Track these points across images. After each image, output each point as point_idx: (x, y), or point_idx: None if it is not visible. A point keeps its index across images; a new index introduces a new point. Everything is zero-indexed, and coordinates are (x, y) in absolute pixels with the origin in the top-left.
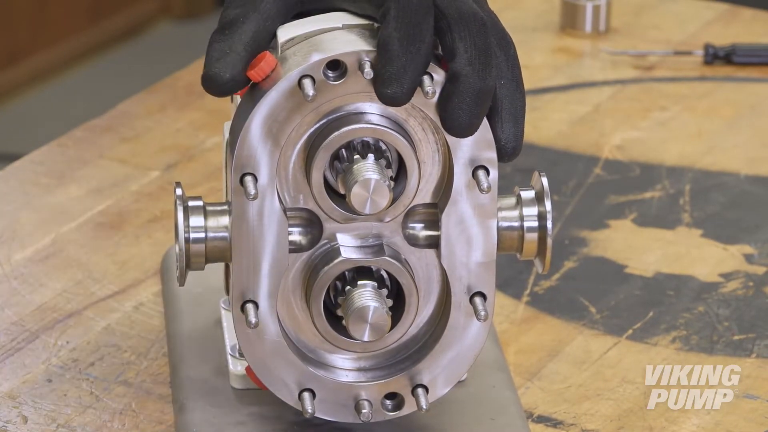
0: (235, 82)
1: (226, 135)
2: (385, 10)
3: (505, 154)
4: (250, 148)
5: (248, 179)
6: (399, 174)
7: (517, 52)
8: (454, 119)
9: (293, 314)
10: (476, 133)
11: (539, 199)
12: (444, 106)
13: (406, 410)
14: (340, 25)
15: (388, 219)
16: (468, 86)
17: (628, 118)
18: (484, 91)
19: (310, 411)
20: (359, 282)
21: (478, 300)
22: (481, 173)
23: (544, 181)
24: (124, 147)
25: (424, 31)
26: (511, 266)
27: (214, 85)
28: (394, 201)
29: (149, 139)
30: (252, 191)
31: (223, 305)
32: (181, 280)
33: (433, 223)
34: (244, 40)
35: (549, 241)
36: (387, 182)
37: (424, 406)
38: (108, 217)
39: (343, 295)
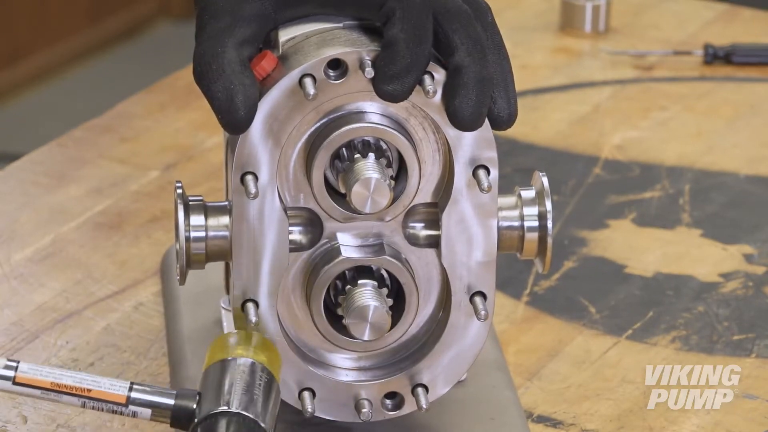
0: (252, 111)
1: (227, 134)
2: (388, 12)
3: (501, 123)
4: (250, 147)
5: (249, 178)
6: (399, 173)
7: (494, 18)
8: (463, 111)
9: (293, 313)
10: (476, 132)
11: (539, 198)
12: (450, 101)
13: (406, 410)
14: (341, 25)
15: (388, 218)
16: (471, 77)
17: (628, 118)
18: (487, 78)
19: (310, 410)
20: (359, 281)
21: (478, 299)
22: (481, 172)
23: (545, 180)
24: (123, 147)
25: (428, 32)
26: (511, 266)
27: (239, 128)
28: (394, 200)
29: (149, 138)
30: (252, 190)
31: (223, 305)
32: (182, 279)
33: (434, 222)
34: (235, 70)
35: (549, 240)
36: (387, 181)
37: (424, 406)
38: (107, 217)
39: (343, 294)
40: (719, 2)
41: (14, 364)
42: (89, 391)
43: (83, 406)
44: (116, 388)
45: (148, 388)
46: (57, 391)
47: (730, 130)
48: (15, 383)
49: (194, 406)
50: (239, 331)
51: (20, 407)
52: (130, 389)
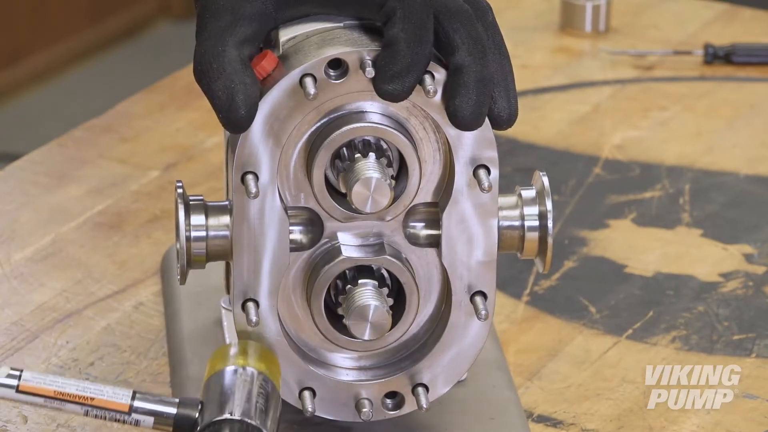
0: (253, 110)
1: (227, 133)
2: (389, 11)
3: (501, 122)
4: (251, 147)
5: (249, 178)
6: (400, 173)
7: (494, 17)
8: (463, 110)
9: (294, 313)
10: (476, 132)
11: (540, 198)
12: (450, 100)
13: (406, 409)
14: (342, 24)
15: (388, 218)
16: (471, 76)
17: (628, 118)
18: (487, 78)
19: (310, 410)
20: (360, 281)
21: (478, 299)
22: (481, 172)
23: (545, 180)
24: (123, 147)
25: (429, 31)
26: (511, 266)
27: (240, 127)
28: (394, 200)
29: (149, 138)
30: (253, 190)
31: (223, 304)
32: (182, 279)
33: (434, 222)
34: (236, 69)
35: (550, 240)
36: (388, 181)
37: (425, 406)
38: (107, 217)
39: (343, 293)
40: (719, 2)
41: (17, 372)
42: (92, 399)
43: (86, 414)
44: (119, 397)
45: (150, 397)
46: (60, 399)
47: (730, 130)
48: (18, 391)
49: (196, 414)
50: (239, 341)
51: (20, 407)
52: (133, 398)
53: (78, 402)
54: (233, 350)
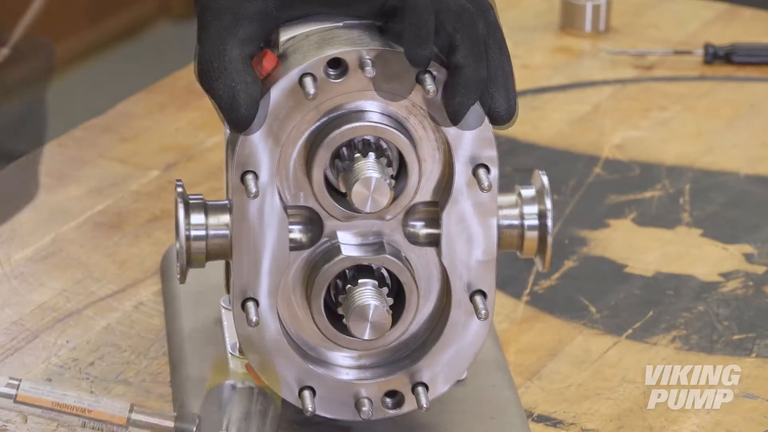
0: (254, 109)
1: (227, 133)
2: (389, 11)
3: (501, 121)
4: (251, 146)
5: (249, 177)
6: (399, 172)
7: (497, 15)
8: (463, 110)
9: (294, 312)
10: (476, 131)
11: (539, 197)
12: (449, 100)
13: (406, 408)
14: (341, 24)
15: (388, 217)
16: (471, 76)
17: (628, 118)
18: (486, 78)
19: (310, 409)
20: (360, 280)
21: (478, 298)
22: (481, 171)
23: (545, 179)
24: (123, 147)
25: (430, 31)
26: (511, 265)
27: (241, 126)
28: (394, 199)
29: (149, 138)
30: (253, 189)
31: (223, 304)
32: (182, 278)
33: (434, 221)
34: (237, 68)
35: (549, 239)
36: (388, 180)
37: (424, 405)
38: (107, 217)
39: (343, 293)
40: (719, 2)
41: (16, 382)
42: (90, 411)
43: (83, 426)
44: (116, 410)
45: (148, 410)
46: (58, 410)
47: (730, 130)
48: (16, 401)
49: (194, 429)
50: (241, 354)
51: (20, 406)
52: (131, 411)
53: (75, 414)
54: (234, 363)
